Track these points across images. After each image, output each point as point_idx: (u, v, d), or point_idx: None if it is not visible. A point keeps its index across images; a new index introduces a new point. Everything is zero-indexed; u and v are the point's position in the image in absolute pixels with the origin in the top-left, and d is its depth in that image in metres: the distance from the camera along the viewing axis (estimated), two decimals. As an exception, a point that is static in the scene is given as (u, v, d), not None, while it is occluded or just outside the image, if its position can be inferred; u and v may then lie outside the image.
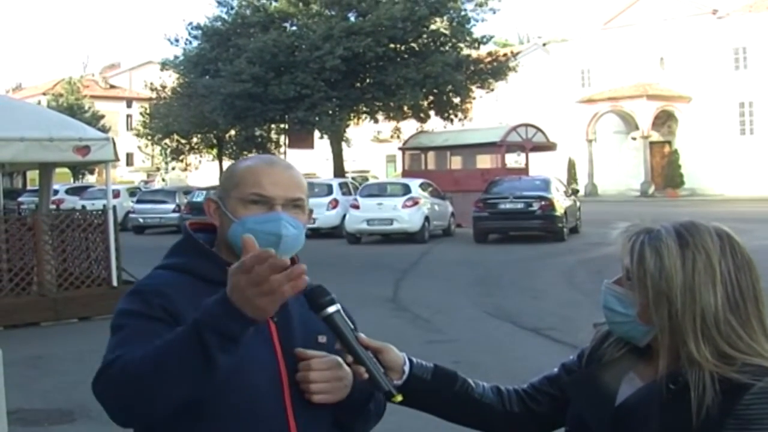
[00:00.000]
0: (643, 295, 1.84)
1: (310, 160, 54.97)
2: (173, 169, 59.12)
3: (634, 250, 1.86)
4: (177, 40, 41.59)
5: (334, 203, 28.36)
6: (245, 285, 1.71)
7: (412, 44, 37.20)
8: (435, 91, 37.19)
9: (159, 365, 1.80)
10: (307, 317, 2.08)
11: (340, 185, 30.26)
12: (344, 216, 27.18)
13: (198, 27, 40.07)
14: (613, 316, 1.93)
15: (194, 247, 2.14)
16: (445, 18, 37.38)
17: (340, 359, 2.04)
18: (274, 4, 38.91)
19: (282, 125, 40.18)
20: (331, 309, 1.97)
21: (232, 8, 39.72)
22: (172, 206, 32.93)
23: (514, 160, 36.14)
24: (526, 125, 35.12)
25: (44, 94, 73.43)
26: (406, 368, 2.08)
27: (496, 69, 39.00)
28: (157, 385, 1.81)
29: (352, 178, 38.49)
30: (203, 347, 1.76)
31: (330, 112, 36.26)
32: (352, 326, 2.01)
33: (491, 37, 41.66)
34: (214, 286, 2.00)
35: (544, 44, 65.60)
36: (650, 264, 1.83)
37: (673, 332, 1.82)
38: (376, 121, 41.06)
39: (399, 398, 2.01)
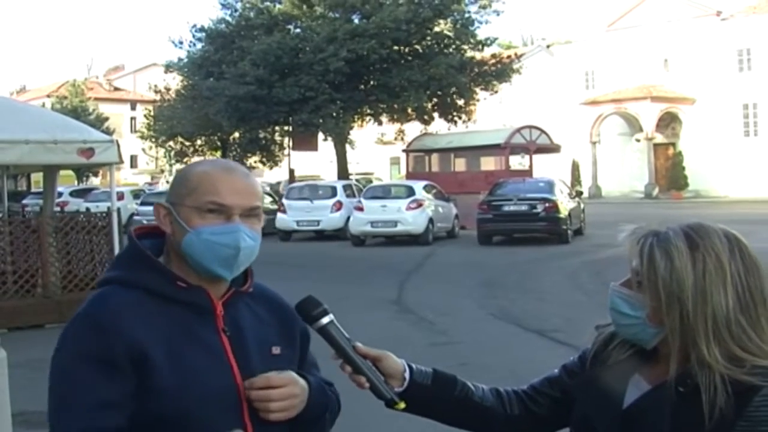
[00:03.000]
0: (655, 297, 1.83)
1: (314, 162, 55.01)
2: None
3: (643, 253, 1.85)
4: (181, 43, 41.69)
5: (338, 205, 28.34)
6: None
7: (416, 46, 37.22)
8: (439, 93, 37.22)
9: None
10: (260, 328, 2.05)
11: (344, 187, 30.24)
12: (348, 218, 27.17)
13: (202, 29, 40.15)
14: (620, 319, 1.92)
15: (140, 258, 2.02)
16: (448, 20, 37.40)
17: (295, 375, 2.00)
18: (278, 6, 38.96)
19: (286, 127, 40.21)
20: (325, 320, 1.93)
21: (235, 10, 39.79)
22: (175, 208, 32.90)
23: (518, 162, 36.19)
24: (530, 127, 35.11)
25: (48, 96, 73.60)
26: (407, 375, 2.05)
27: (500, 71, 39.00)
28: None
29: (356, 180, 38.47)
30: None
31: (334, 114, 36.29)
32: (347, 335, 1.97)
33: (495, 39, 41.65)
34: (163, 300, 1.96)
35: (547, 46, 65.64)
36: (661, 266, 1.82)
37: (684, 334, 1.81)
38: (380, 123, 41.10)
39: (402, 405, 1.99)
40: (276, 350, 2.06)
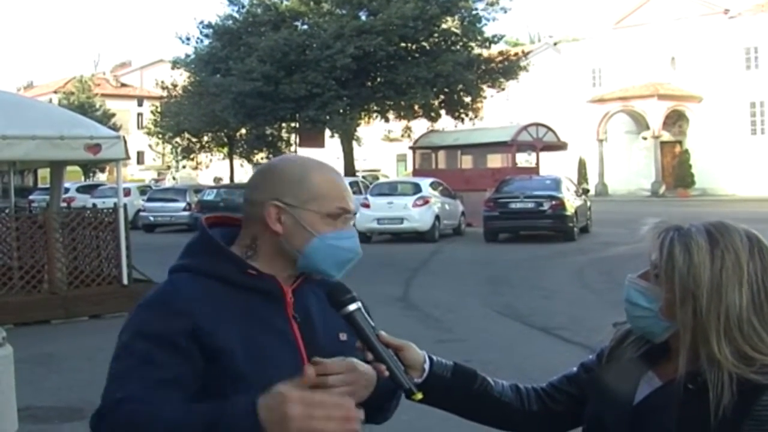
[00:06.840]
0: (670, 290, 1.84)
1: (321, 159, 54.91)
2: (184, 167, 59.23)
3: (663, 246, 1.86)
4: (188, 39, 41.75)
5: (345, 202, 28.33)
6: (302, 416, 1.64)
7: (423, 43, 37.22)
8: (446, 90, 37.22)
9: None
10: (327, 315, 2.06)
11: (351, 184, 29.86)
12: (354, 215, 27.16)
13: (209, 25, 40.19)
14: (634, 310, 1.92)
15: (211, 247, 2.04)
16: (456, 17, 37.41)
17: (357, 361, 2.00)
18: (285, 2, 39.00)
19: (293, 124, 40.26)
20: (352, 307, 1.95)
21: (243, 7, 39.83)
22: (182, 204, 32.96)
23: (524, 159, 36.11)
24: (537, 125, 35.09)
25: (55, 92, 73.66)
26: (427, 366, 2.07)
27: (507, 68, 39.01)
28: None
29: (363, 177, 38.52)
30: None
31: (341, 111, 36.31)
32: (372, 324, 1.99)
33: (502, 37, 41.65)
34: (234, 288, 1.98)
35: (555, 43, 65.52)
36: (679, 260, 1.82)
37: (696, 330, 1.82)
38: (387, 120, 41.10)
39: (419, 396, 2.00)
40: (343, 336, 2.08)
